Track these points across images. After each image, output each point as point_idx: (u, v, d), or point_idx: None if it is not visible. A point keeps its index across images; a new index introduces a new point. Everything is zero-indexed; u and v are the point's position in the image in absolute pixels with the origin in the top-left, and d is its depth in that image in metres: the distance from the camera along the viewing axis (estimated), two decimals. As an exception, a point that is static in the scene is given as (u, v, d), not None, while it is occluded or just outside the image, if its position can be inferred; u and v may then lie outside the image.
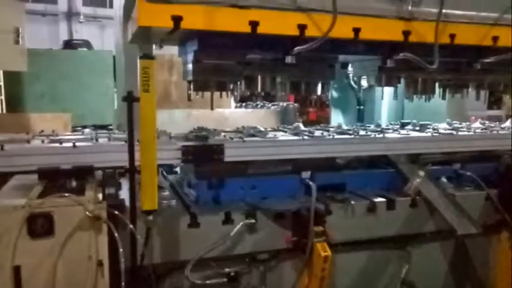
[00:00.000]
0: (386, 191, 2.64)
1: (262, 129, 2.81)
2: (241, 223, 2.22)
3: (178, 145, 2.21)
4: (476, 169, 2.87)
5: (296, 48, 2.27)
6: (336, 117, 5.65)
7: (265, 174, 2.52)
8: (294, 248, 2.30)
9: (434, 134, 2.90)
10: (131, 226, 1.88)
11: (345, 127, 3.16)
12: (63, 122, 5.50)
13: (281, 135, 2.66)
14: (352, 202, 2.44)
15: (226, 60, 2.37)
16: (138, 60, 1.87)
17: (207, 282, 2.22)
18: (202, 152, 2.24)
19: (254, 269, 2.35)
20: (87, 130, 3.15)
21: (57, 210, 1.75)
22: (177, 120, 5.54)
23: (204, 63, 2.32)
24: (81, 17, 17.44)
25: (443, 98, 3.16)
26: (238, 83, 2.54)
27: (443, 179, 2.79)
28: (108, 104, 6.72)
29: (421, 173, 2.61)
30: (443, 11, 2.44)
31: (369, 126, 3.25)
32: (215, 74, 2.40)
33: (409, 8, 2.45)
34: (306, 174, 2.55)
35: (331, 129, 3.03)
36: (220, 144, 2.23)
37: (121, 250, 1.78)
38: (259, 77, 2.59)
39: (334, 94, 5.53)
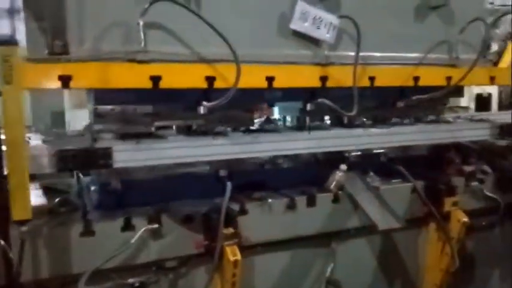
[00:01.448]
0: (310, 187, 2.50)
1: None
2: (143, 229, 2.02)
3: (52, 150, 1.86)
4: (407, 161, 2.79)
5: (205, 104, 2.14)
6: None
7: (177, 174, 2.34)
8: (205, 252, 2.11)
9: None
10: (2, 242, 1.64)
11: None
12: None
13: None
14: (269, 200, 2.29)
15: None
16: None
17: (108, 294, 2.01)
18: (85, 157, 1.90)
19: (162, 278, 2.15)
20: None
21: None
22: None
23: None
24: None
25: None
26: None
27: (371, 173, 2.69)
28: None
29: (343, 167, 2.49)
30: (362, 54, 2.36)
31: None
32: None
33: (326, 52, 2.36)
34: (223, 173, 2.38)
35: None
36: (107, 148, 1.94)
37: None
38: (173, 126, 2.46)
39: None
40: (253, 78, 2.15)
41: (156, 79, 1.96)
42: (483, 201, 2.87)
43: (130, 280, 2.06)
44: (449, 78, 2.68)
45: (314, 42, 2.35)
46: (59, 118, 3.29)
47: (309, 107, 2.48)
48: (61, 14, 1.87)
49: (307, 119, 2.52)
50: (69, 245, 1.92)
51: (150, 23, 1.95)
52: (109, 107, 2.18)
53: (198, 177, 2.35)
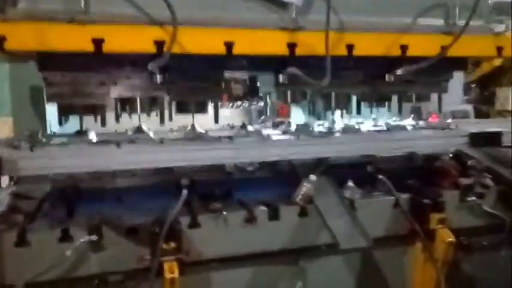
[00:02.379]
0: (282, 198, 2.32)
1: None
2: (80, 240, 1.93)
3: None
4: (398, 172, 2.55)
5: (152, 67, 2.05)
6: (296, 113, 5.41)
7: (135, 183, 2.25)
8: (149, 268, 1.99)
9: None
10: None
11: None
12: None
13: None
14: (224, 213, 2.13)
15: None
16: None
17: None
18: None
19: (107, 292, 2.05)
20: None
21: None
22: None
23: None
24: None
25: (358, 112, 2.85)
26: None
27: (350, 183, 2.47)
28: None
29: (313, 178, 2.29)
30: (339, 18, 2.17)
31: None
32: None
33: (293, 16, 2.16)
34: (185, 181, 2.25)
35: None
36: None
37: None
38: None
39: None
40: (209, 43, 2.01)
41: (98, 42, 1.87)
42: (483, 219, 2.54)
43: (70, 294, 1.97)
44: (445, 48, 2.37)
45: (280, 4, 2.15)
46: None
47: (281, 78, 2.30)
48: None
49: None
50: (3, 255, 1.87)
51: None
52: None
53: (154, 186, 2.25)
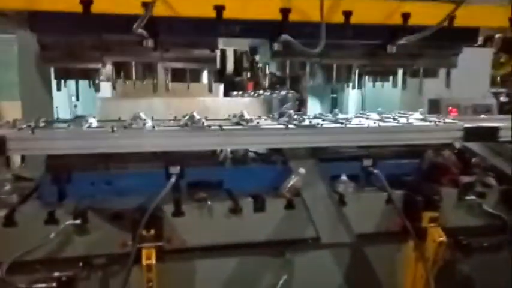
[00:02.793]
0: (270, 190, 2.31)
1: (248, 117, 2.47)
2: (65, 223, 1.99)
3: None
4: (393, 167, 2.48)
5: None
6: (313, 105, 5.32)
7: (127, 167, 2.28)
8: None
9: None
10: None
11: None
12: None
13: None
14: (209, 202, 2.14)
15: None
16: None
17: (34, 286, 2.01)
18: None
19: (92, 275, 2.11)
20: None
21: None
22: (157, 109, 5.40)
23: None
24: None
25: (358, 87, 2.77)
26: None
27: (343, 177, 2.42)
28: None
29: (301, 170, 2.25)
30: None
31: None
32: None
33: None
34: (174, 169, 2.27)
35: None
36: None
37: None
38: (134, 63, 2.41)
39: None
40: (199, 6, 2.00)
41: (86, 2, 1.90)
42: (483, 219, 2.45)
43: (56, 274, 2.04)
44: (452, 18, 2.26)
45: None
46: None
47: (276, 46, 2.26)
48: None
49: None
50: (-9, 234, 1.96)
51: None
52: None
53: (146, 171, 2.27)
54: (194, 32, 2.20)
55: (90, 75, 2.39)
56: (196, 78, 2.52)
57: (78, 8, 1.96)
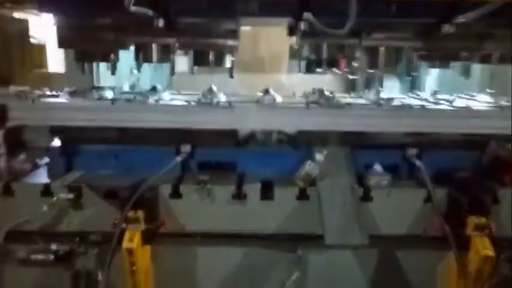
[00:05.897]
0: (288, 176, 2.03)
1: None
2: (57, 196, 1.92)
3: None
4: (442, 159, 2.07)
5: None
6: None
7: (137, 143, 2.17)
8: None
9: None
10: None
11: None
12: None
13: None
14: (208, 186, 1.93)
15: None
16: None
17: (32, 256, 1.99)
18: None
19: (89, 251, 2.03)
20: None
21: None
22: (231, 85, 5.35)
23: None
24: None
25: (408, 75, 2.35)
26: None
27: (377, 167, 2.06)
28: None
29: (319, 156, 1.94)
30: None
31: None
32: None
33: None
34: (185, 148, 2.10)
35: None
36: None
37: None
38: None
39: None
40: None
41: None
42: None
43: (53, 246, 1.99)
44: None
45: None
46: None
47: (302, 26, 1.99)
48: None
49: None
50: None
51: None
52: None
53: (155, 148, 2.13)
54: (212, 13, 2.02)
55: (107, 58, 2.30)
56: (220, 62, 2.37)
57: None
